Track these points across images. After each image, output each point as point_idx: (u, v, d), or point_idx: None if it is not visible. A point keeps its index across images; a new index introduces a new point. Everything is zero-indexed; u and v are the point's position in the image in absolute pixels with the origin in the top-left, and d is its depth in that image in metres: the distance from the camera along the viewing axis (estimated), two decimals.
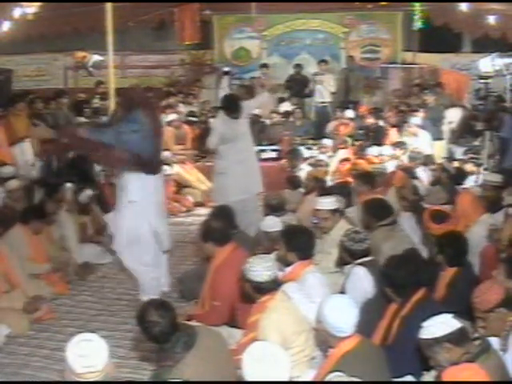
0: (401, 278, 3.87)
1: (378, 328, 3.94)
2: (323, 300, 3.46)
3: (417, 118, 9.49)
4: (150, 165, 5.31)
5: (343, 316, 3.28)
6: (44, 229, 6.11)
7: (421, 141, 9.10)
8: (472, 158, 8.25)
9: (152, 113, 5.37)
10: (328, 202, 5.24)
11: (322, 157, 8.97)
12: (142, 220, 5.38)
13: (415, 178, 7.27)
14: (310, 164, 8.84)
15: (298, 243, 4.45)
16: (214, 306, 4.54)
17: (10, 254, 5.48)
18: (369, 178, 6.72)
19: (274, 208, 5.99)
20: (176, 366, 3.24)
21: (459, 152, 9.27)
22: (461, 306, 3.66)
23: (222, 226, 4.75)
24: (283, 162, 9.24)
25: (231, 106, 6.59)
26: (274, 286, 3.85)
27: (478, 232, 5.40)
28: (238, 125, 6.58)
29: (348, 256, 4.52)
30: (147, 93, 5.86)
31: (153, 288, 5.50)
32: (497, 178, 6.15)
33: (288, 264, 4.46)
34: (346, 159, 8.71)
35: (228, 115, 6.55)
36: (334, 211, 5.21)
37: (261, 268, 3.80)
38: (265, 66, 12.68)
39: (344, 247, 4.52)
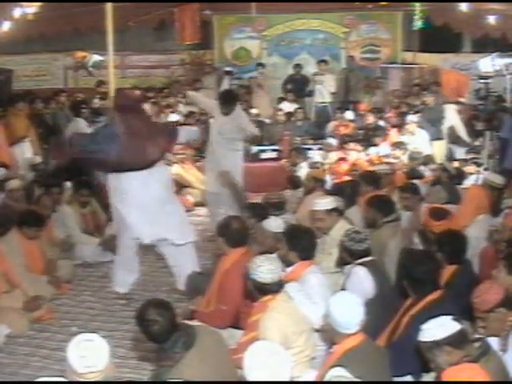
0: (421, 274, 3.88)
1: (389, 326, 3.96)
2: (332, 296, 3.48)
3: (414, 116, 9.47)
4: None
5: (348, 313, 3.30)
6: (40, 234, 5.90)
7: (418, 139, 9.08)
8: (473, 159, 8.24)
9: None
10: (324, 203, 5.20)
11: (318, 157, 8.96)
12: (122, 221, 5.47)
13: (417, 178, 7.23)
14: (310, 164, 8.83)
15: (300, 243, 4.45)
16: (219, 310, 4.45)
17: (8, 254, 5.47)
18: (374, 179, 6.60)
19: (273, 207, 5.98)
20: (176, 365, 3.25)
21: (459, 152, 9.27)
22: (460, 304, 3.67)
23: (240, 227, 4.66)
24: (283, 161, 9.22)
25: (222, 100, 6.86)
26: (277, 288, 3.85)
27: (477, 233, 5.40)
28: (225, 122, 6.78)
29: (348, 256, 4.51)
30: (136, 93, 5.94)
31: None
32: (498, 180, 6.13)
33: (289, 264, 4.46)
34: (343, 159, 8.70)
35: (220, 110, 6.83)
36: (331, 211, 5.16)
37: (266, 270, 3.79)
38: (261, 65, 12.72)
39: (344, 247, 4.51)
